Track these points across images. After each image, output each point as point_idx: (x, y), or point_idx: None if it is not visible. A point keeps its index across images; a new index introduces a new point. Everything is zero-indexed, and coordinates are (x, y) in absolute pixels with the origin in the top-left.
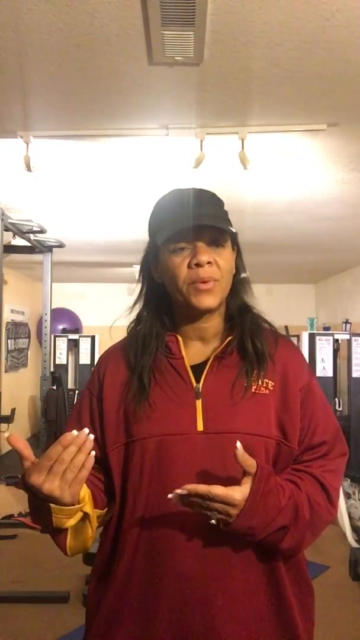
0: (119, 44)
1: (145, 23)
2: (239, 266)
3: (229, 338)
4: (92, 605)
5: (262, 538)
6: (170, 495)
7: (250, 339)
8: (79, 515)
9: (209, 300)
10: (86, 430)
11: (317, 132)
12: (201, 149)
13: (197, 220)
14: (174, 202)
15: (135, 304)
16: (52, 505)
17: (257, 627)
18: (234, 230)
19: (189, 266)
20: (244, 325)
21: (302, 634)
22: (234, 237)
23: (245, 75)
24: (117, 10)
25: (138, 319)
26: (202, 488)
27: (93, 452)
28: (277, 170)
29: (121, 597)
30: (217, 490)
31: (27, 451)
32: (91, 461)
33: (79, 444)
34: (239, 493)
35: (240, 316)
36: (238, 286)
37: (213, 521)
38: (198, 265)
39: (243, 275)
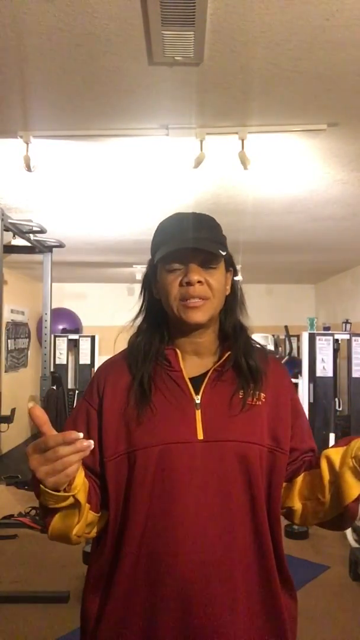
0: (119, 44)
1: (145, 23)
2: (235, 287)
3: (228, 353)
4: (92, 614)
5: None
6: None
7: (244, 358)
8: (69, 500)
9: (198, 315)
10: (92, 442)
11: (317, 132)
12: (201, 149)
13: (191, 243)
14: (172, 224)
15: (136, 317)
16: (41, 486)
17: (252, 626)
18: (223, 253)
19: (181, 284)
20: (238, 345)
21: (289, 634)
22: (228, 259)
23: (245, 75)
24: (117, 10)
25: (138, 332)
26: None
27: (88, 451)
28: (277, 170)
29: (125, 603)
30: None
31: (46, 427)
32: (78, 464)
33: (78, 449)
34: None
35: (235, 336)
36: (233, 306)
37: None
38: (189, 283)
39: (238, 295)
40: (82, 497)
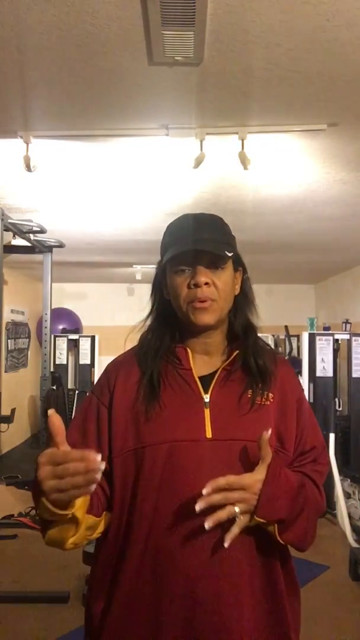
0: (119, 44)
1: (145, 23)
2: (245, 286)
3: (236, 352)
4: (97, 614)
5: (286, 519)
6: (198, 506)
7: (253, 358)
8: (67, 517)
9: (207, 317)
10: (103, 465)
11: (317, 132)
12: (201, 149)
13: (196, 244)
14: (180, 226)
15: (147, 317)
16: (43, 498)
17: (258, 624)
18: (229, 254)
19: (189, 286)
20: (247, 344)
21: (292, 632)
22: (237, 259)
23: (245, 75)
24: (117, 10)
25: (149, 330)
26: (220, 480)
27: (93, 486)
28: (277, 170)
29: (131, 601)
30: (230, 478)
31: (59, 437)
32: (89, 488)
33: (87, 468)
34: (247, 477)
35: (244, 335)
36: (243, 306)
37: (238, 513)
38: (196, 285)
39: (249, 295)
40: (80, 514)
